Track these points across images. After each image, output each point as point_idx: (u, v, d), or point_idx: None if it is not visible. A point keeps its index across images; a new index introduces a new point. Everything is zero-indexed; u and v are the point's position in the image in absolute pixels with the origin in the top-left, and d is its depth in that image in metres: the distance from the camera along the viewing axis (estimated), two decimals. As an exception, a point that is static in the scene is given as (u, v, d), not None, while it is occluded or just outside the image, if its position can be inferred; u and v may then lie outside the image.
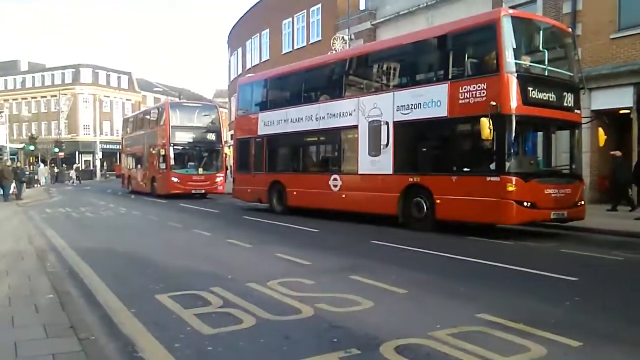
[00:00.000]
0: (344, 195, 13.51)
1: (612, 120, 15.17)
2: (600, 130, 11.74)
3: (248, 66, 36.73)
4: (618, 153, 14.37)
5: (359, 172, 13.11)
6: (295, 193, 15.28)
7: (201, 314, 4.90)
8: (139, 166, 27.94)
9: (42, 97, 71.22)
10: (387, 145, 12.23)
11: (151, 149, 25.38)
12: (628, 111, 15.53)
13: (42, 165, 46.07)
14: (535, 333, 4.26)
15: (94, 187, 38.45)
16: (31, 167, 47.08)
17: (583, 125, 11.64)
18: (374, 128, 12.58)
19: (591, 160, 15.63)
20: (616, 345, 4.10)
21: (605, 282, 6.67)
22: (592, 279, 6.71)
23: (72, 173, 48.19)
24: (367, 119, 12.79)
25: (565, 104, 10.90)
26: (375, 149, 12.57)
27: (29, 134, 52.08)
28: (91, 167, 60.94)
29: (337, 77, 14.58)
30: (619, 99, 15.45)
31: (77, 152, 64.80)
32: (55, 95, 66.62)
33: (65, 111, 65.22)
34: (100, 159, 60.28)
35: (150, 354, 3.93)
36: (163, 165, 23.71)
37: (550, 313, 4.98)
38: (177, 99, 38.62)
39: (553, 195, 10.28)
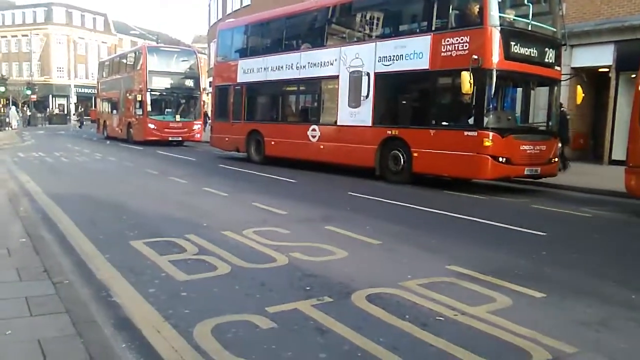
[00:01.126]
0: (322, 147, 13.48)
1: (591, 78, 15.25)
2: (579, 88, 11.80)
3: (228, 11, 35.61)
4: (564, 107, 14.04)
5: (338, 124, 13.04)
6: (273, 143, 15.19)
7: (176, 260, 4.93)
8: (115, 111, 27.33)
9: (12, 36, 68.23)
10: (367, 96, 12.14)
11: (128, 94, 24.79)
12: (607, 69, 15.59)
13: (13, 107, 44.66)
14: (502, 285, 4.40)
15: (68, 131, 37.61)
16: (2, 109, 45.62)
17: (562, 83, 11.67)
18: (355, 79, 12.43)
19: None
20: (577, 296, 4.26)
21: (572, 237, 6.87)
22: (559, 234, 6.91)
23: (74, 117, 46.15)
24: (348, 70, 12.61)
25: (546, 60, 10.88)
26: (355, 101, 12.47)
27: (-1, 75, 50.22)
28: (65, 112, 59.41)
29: (319, 25, 14.24)
30: (599, 56, 15.48)
31: (50, 96, 62.95)
32: (27, 35, 63.92)
33: (38, 52, 62.83)
34: (75, 103, 58.71)
35: (124, 298, 3.95)
36: (140, 111, 23.24)
37: (518, 266, 5.14)
38: (154, 43, 37.44)
39: (528, 151, 10.41)
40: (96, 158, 16.92)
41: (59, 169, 13.51)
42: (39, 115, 48.51)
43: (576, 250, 6.03)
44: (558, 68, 11.30)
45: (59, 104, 64.25)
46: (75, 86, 58.84)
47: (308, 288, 4.24)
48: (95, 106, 42.71)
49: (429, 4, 11.22)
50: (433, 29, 10.95)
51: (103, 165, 14.98)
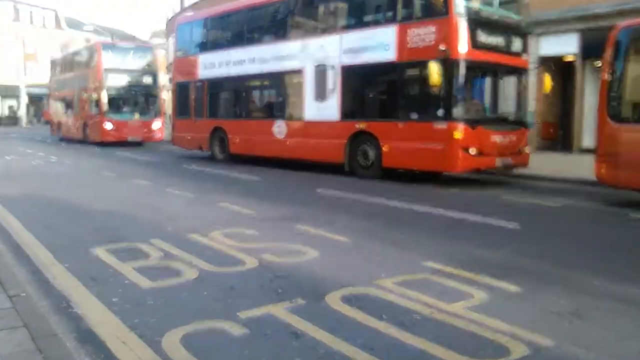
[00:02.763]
0: (288, 143, 13.33)
1: (559, 67, 15.49)
2: (547, 76, 11.98)
3: (187, 4, 34.91)
4: None
5: (305, 119, 12.92)
6: (237, 140, 14.94)
7: (140, 267, 4.72)
8: (69, 111, 26.42)
9: (-45, 34, 65.05)
10: (333, 90, 12.05)
11: (82, 93, 24.02)
12: (573, 58, 15.85)
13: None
14: (477, 279, 4.39)
15: (20, 134, 36.20)
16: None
17: (529, 72, 11.83)
18: (320, 72, 12.32)
19: (537, 107, 15.87)
20: (550, 288, 4.29)
21: (543, 228, 6.96)
22: (531, 225, 6.99)
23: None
24: (313, 63, 12.49)
25: (513, 49, 11.03)
26: (321, 95, 12.36)
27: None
28: (16, 114, 57.09)
29: (281, 17, 14.05)
30: (564, 45, 15.68)
31: (-1, 97, 60.38)
32: (-29, 33, 61.07)
33: (-16, 50, 60.06)
34: (27, 104, 56.53)
35: (86, 309, 3.76)
36: (96, 111, 22.55)
37: (492, 259, 5.16)
38: (109, 40, 36.39)
39: (499, 142, 10.51)
40: (51, 161, 16.29)
41: (11, 174, 12.90)
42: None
43: (547, 242, 6.11)
44: (525, 57, 11.46)
45: (8, 105, 61.67)
46: (26, 86, 56.63)
47: (280, 291, 4.12)
48: (48, 106, 41.28)
49: None
50: (398, 19, 10.93)
51: (59, 168, 14.42)
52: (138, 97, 23.25)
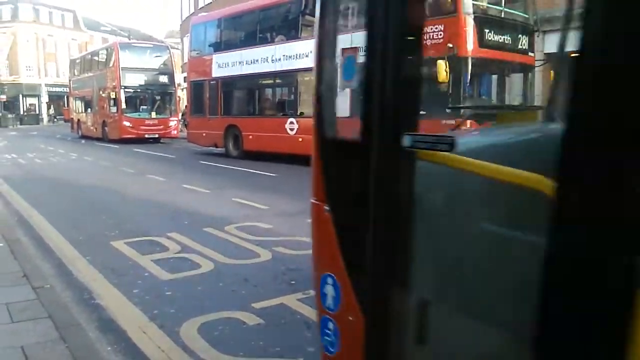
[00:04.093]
0: (300, 139, 13.44)
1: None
2: (552, 73, 11.93)
3: (201, 4, 35.11)
4: None
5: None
6: (251, 137, 15.10)
7: (159, 259, 4.89)
8: (88, 110, 26.83)
9: (-22, 35, 66.28)
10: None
11: (101, 92, 24.34)
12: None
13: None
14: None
15: (40, 132, 36.82)
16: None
17: (535, 69, 11.80)
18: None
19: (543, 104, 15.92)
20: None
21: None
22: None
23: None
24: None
25: (520, 47, 11.00)
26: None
27: (-35, 76, 48.81)
28: (36, 111, 58.06)
29: (293, 17, 14.15)
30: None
31: (20, 95, 61.39)
32: (-7, 34, 62.17)
33: (5, 51, 61.14)
34: (47, 103, 57.42)
35: (108, 300, 3.91)
36: (114, 109, 22.86)
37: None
38: (126, 40, 36.78)
39: None
40: (71, 158, 16.61)
41: (33, 170, 13.23)
42: (9, 116, 47.36)
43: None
44: (532, 54, 11.43)
45: (29, 104, 62.69)
46: (46, 85, 57.51)
47: (293, 282, 4.25)
48: (67, 105, 41.91)
49: None
50: None
51: (79, 165, 14.72)
52: (154, 96, 23.51)
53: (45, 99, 56.73)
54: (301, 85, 13.75)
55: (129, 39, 37.60)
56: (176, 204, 8.15)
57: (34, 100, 61.80)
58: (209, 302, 3.89)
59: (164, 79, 23.68)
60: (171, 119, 23.61)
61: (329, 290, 1.82)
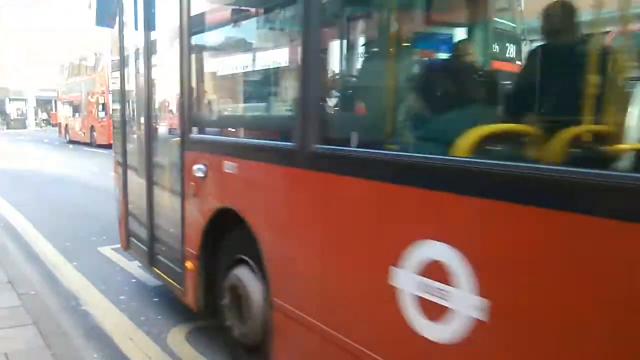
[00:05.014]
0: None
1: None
2: None
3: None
4: None
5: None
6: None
7: (146, 266, 4.84)
8: (77, 114, 26.66)
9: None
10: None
11: (89, 97, 24.23)
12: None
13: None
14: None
15: (28, 136, 36.46)
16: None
17: None
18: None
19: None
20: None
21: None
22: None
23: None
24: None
25: (507, 55, 11.10)
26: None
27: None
28: (24, 116, 57.50)
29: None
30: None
31: (7, 99, 60.78)
32: (-21, 37, 61.54)
33: (-9, 54, 60.52)
34: (34, 107, 56.91)
35: (94, 307, 3.87)
36: (103, 114, 22.74)
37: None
38: (115, 44, 36.54)
39: None
40: (59, 163, 16.45)
41: (20, 176, 13.07)
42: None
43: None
44: (519, 63, 11.54)
45: (16, 108, 62.07)
46: (34, 89, 57.00)
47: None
48: (55, 109, 41.53)
49: None
50: None
51: (66, 170, 14.57)
52: (143, 101, 23.43)
53: (32, 103, 56.25)
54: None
55: (119, 44, 37.35)
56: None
57: (21, 105, 61.25)
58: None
59: (153, 83, 23.58)
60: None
61: None
